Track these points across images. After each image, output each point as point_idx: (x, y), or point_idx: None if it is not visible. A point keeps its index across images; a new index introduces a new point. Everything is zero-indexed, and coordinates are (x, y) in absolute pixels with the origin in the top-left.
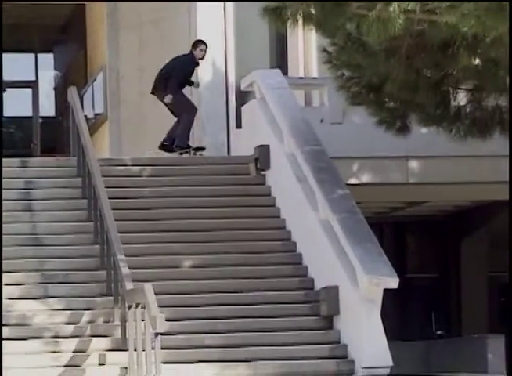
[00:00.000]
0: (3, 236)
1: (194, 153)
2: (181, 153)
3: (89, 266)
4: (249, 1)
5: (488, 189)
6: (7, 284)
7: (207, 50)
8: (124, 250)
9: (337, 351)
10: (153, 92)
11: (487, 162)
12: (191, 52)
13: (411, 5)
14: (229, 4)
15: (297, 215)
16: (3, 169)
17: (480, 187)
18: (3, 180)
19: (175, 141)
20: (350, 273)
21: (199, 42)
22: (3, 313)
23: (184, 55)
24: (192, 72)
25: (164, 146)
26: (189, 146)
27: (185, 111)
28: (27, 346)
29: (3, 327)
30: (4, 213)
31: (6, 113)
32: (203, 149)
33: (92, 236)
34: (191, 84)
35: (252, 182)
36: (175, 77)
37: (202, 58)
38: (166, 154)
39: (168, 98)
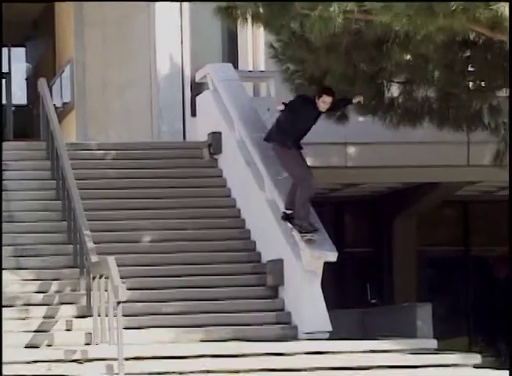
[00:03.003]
0: None
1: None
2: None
3: (57, 241)
4: (203, 1)
5: (417, 172)
6: None
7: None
8: (89, 226)
9: (281, 318)
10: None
11: (417, 148)
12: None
13: (349, 6)
14: (185, 3)
15: (246, 195)
16: None
17: (410, 170)
18: None
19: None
20: (294, 248)
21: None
22: None
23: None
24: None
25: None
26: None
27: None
28: None
29: None
30: None
31: None
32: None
33: (60, 213)
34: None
35: (205, 165)
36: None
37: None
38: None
39: None
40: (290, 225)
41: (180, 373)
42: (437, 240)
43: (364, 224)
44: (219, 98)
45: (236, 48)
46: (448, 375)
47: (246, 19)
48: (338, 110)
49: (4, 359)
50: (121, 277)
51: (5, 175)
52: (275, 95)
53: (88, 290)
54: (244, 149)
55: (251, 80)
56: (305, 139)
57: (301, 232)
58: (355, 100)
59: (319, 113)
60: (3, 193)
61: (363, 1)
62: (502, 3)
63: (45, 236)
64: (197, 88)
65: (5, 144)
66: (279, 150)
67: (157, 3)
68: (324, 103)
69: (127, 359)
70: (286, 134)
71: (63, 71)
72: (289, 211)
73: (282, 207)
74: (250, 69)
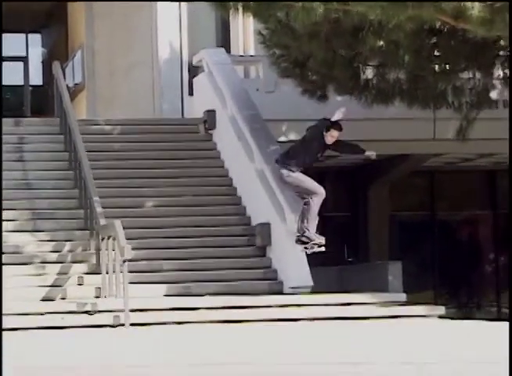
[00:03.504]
0: None
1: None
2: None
3: (70, 206)
4: (201, 1)
5: (389, 145)
6: (4, 220)
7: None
8: (98, 193)
9: (268, 274)
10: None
11: (389, 124)
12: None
13: None
14: None
15: (238, 165)
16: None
17: (383, 144)
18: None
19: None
20: (280, 212)
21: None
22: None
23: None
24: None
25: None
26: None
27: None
28: (20, 270)
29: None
30: None
31: (3, 82)
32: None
33: (72, 181)
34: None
35: (201, 139)
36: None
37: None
38: (133, 116)
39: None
40: (303, 245)
41: (179, 323)
42: (407, 206)
43: (342, 191)
44: (213, 79)
45: (229, 35)
46: (416, 325)
47: (238, 9)
48: (344, 153)
49: (23, 311)
50: (126, 238)
51: (23, 147)
52: (264, 76)
53: (97, 249)
54: (236, 124)
55: (242, 63)
56: (291, 117)
57: (304, 242)
58: (367, 153)
59: (325, 148)
60: (21, 163)
61: None
62: None
63: (58, 202)
64: (194, 70)
65: (23, 120)
66: (285, 174)
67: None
68: (332, 137)
69: (132, 311)
70: (292, 162)
71: (74, 55)
72: (304, 238)
73: (269, 176)
74: (241, 53)
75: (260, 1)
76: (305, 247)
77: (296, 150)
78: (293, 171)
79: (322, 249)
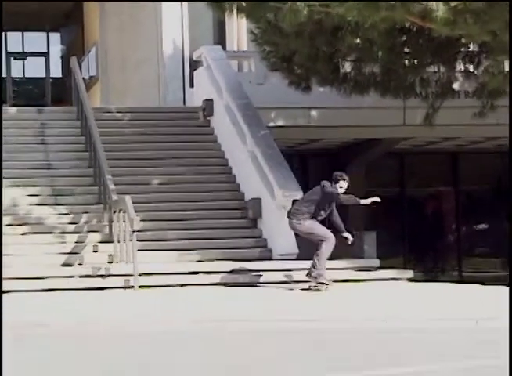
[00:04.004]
0: (24, 163)
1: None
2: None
3: (86, 183)
4: (201, 1)
5: (365, 130)
6: (29, 195)
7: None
8: (111, 172)
9: (259, 243)
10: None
11: (364, 111)
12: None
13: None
14: None
15: (232, 147)
16: (26, 114)
17: (359, 129)
18: (26, 122)
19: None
20: (269, 189)
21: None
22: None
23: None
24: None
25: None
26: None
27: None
28: (41, 238)
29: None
30: (25, 145)
31: (27, 74)
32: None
33: (88, 161)
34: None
35: (200, 124)
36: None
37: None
38: (141, 104)
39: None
40: (311, 279)
41: (181, 285)
42: (380, 183)
43: (324, 170)
44: (211, 73)
45: (224, 33)
46: (389, 286)
47: (232, 11)
48: (348, 204)
49: (45, 274)
50: (135, 211)
51: (45, 132)
52: (255, 70)
53: (110, 221)
54: (231, 112)
55: (236, 58)
56: (279, 105)
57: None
58: (369, 200)
59: (334, 197)
60: (43, 146)
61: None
62: None
63: (76, 180)
64: (194, 64)
65: (44, 108)
66: (296, 223)
67: (164, 2)
68: (341, 187)
69: (140, 275)
70: (305, 213)
71: (89, 51)
72: (313, 274)
73: (260, 157)
74: (235, 50)
75: (252, 0)
76: (309, 286)
77: (308, 205)
78: (304, 220)
79: (328, 289)
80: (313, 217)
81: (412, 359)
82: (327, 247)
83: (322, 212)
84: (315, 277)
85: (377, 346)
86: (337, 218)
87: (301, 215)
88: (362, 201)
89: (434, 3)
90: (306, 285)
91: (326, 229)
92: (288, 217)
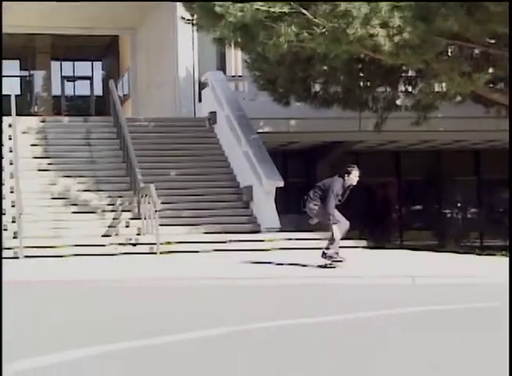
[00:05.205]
0: (74, 159)
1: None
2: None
3: (120, 174)
4: None
5: (330, 135)
6: (77, 183)
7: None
8: (139, 166)
9: (251, 220)
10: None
11: (330, 121)
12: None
13: (291, 37)
14: (195, 34)
15: (231, 148)
16: (76, 122)
17: (326, 134)
18: (76, 128)
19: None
20: (258, 179)
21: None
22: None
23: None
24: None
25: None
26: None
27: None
28: (87, 216)
29: (73, 208)
30: (74, 146)
31: (77, 93)
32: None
33: (122, 158)
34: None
35: (207, 130)
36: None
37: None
38: (162, 115)
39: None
40: (325, 259)
41: (193, 252)
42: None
43: (300, 165)
44: (215, 91)
45: (225, 61)
46: (348, 252)
47: (231, 45)
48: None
49: (90, 243)
50: (157, 196)
51: (90, 136)
52: (248, 89)
53: (138, 203)
54: (229, 121)
55: (234, 81)
56: (266, 116)
57: (327, 257)
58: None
59: (348, 187)
60: (88, 147)
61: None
62: (381, 35)
63: (112, 172)
64: (202, 85)
65: (89, 118)
66: (313, 206)
67: (179, 38)
68: (356, 176)
69: (161, 244)
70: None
71: (123, 75)
72: (328, 253)
73: (251, 155)
74: (233, 74)
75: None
76: (325, 264)
77: (325, 195)
78: (317, 205)
79: (342, 263)
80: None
81: (358, 307)
82: (339, 229)
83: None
84: (331, 256)
85: (331, 296)
86: (327, 204)
87: (316, 200)
88: (330, 215)
89: (382, 39)
90: (322, 263)
91: (339, 214)
92: (305, 202)
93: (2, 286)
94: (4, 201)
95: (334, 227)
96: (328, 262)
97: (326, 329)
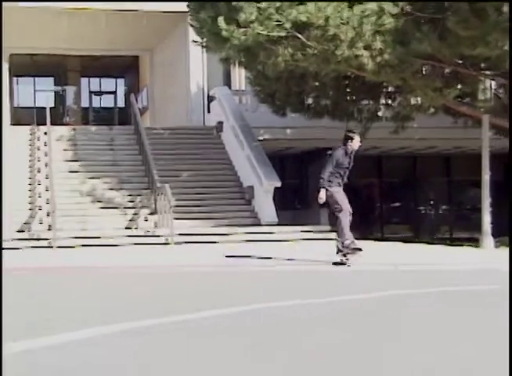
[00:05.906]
0: (99, 162)
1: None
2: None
3: (140, 175)
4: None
5: (320, 142)
6: (103, 183)
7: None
8: (156, 168)
9: (252, 215)
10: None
11: (321, 130)
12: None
13: (287, 58)
14: (205, 54)
15: (235, 152)
16: (101, 131)
17: (317, 141)
18: (101, 136)
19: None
20: (259, 179)
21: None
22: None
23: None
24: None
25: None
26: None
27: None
28: (111, 212)
29: (99, 204)
30: (99, 152)
31: (102, 105)
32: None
33: (141, 162)
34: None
35: (215, 138)
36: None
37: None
38: (176, 125)
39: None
40: (341, 255)
41: (203, 242)
42: None
43: (295, 167)
44: (222, 104)
45: (230, 78)
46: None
47: (235, 63)
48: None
49: (113, 235)
50: (172, 194)
51: (113, 142)
52: (250, 102)
53: (155, 200)
54: (234, 130)
55: (238, 95)
56: (266, 125)
57: (342, 250)
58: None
59: (351, 153)
60: (111, 152)
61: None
62: (365, 55)
63: (133, 173)
64: (210, 98)
65: (113, 127)
66: (334, 191)
67: (191, 57)
68: (358, 141)
69: (176, 235)
70: (336, 179)
71: (142, 90)
72: (341, 249)
73: (253, 159)
74: (237, 89)
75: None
76: (341, 260)
77: (332, 171)
78: (330, 187)
79: (360, 252)
80: (336, 184)
81: (354, 290)
82: (343, 218)
83: (338, 178)
84: (346, 247)
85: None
86: (323, 169)
87: (328, 182)
88: (320, 193)
89: (366, 59)
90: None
91: (344, 200)
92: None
93: (2, 278)
94: (39, 199)
95: (340, 216)
96: (344, 258)
97: (342, 306)
